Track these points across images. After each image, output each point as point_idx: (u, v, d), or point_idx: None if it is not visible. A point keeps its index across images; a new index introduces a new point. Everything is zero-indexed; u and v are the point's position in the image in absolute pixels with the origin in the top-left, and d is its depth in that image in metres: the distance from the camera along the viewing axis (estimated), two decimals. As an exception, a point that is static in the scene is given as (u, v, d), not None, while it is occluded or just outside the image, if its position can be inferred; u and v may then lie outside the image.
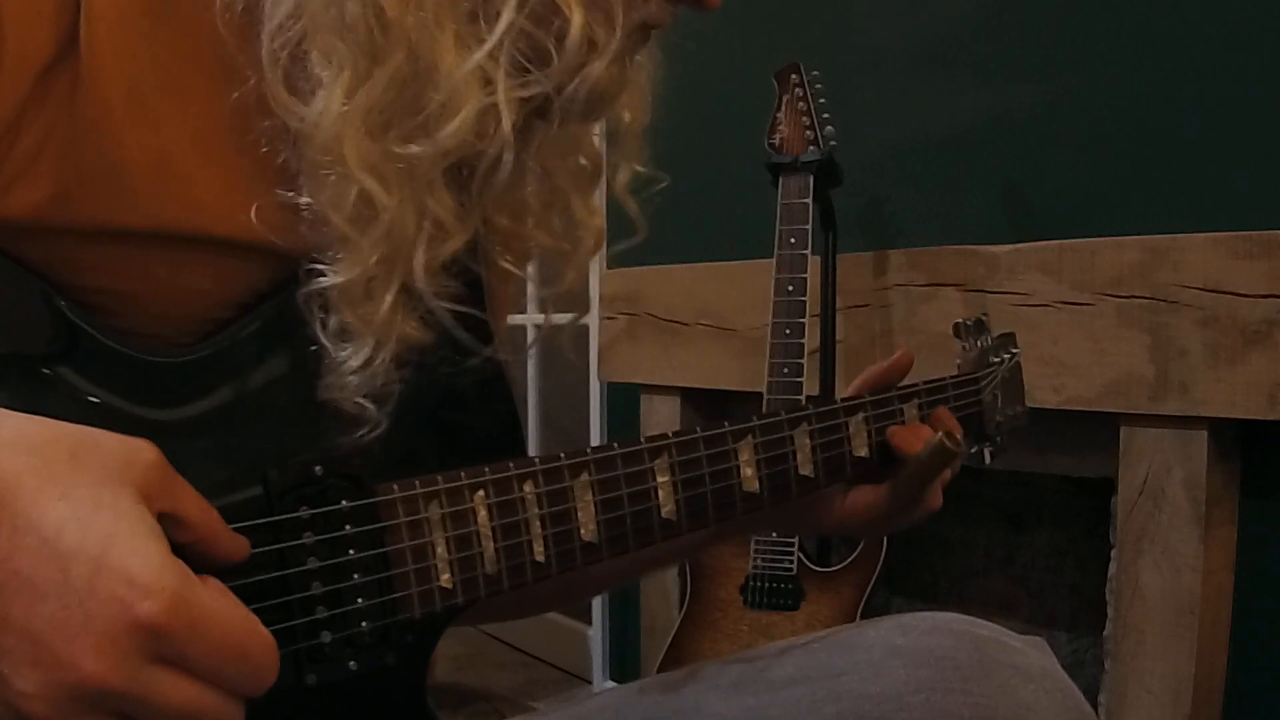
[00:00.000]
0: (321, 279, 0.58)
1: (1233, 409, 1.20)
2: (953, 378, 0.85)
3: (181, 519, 0.46)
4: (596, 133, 0.75)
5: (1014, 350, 0.92)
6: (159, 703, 0.42)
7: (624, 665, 2.20)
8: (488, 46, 0.58)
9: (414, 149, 0.58)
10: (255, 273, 0.60)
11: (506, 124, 0.59)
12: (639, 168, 0.74)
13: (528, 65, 0.60)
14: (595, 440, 2.27)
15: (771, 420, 0.72)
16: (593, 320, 2.07)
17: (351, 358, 0.59)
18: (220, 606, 0.45)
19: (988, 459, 0.90)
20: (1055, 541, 1.64)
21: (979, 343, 0.90)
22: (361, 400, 0.60)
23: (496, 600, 0.82)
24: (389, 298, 0.59)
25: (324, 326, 0.59)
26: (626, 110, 0.72)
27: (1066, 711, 0.59)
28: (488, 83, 0.59)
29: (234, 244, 0.58)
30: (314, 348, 0.60)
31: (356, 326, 0.59)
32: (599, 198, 0.76)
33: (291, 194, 0.59)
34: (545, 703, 1.97)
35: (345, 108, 0.56)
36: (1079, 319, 1.33)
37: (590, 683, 2.26)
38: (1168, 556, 1.26)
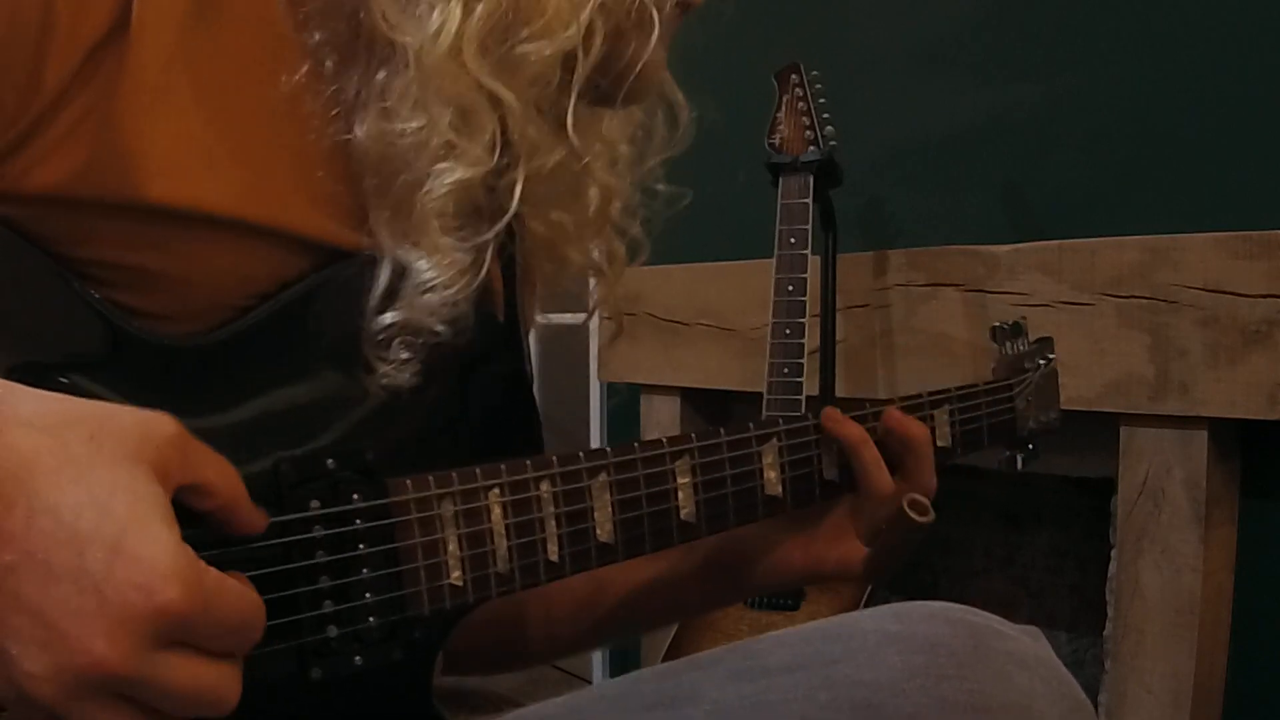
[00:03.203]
0: (444, 175, 0.61)
1: (1233, 409, 1.20)
2: (986, 383, 0.85)
3: (203, 488, 0.47)
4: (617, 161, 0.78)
5: (1050, 356, 0.92)
6: (165, 686, 0.43)
7: (624, 665, 2.20)
8: None
9: (529, 51, 0.61)
10: (279, 261, 0.60)
11: (599, 36, 0.63)
12: (662, 186, 0.80)
13: None
14: (595, 440, 2.27)
15: (798, 425, 0.72)
16: (592, 320, 2.07)
17: (436, 274, 0.61)
18: (223, 584, 0.45)
19: (1019, 465, 0.90)
20: (1055, 541, 1.64)
21: (1015, 347, 0.89)
22: (434, 325, 0.61)
23: (487, 648, 0.81)
24: (493, 222, 0.63)
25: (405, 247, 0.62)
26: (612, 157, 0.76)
27: (1062, 699, 0.59)
28: None
29: (258, 229, 0.59)
30: (347, 332, 0.61)
31: (451, 241, 0.61)
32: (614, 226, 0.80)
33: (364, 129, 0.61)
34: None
35: (463, 23, 0.60)
36: (1079, 319, 1.33)
37: (590, 683, 2.26)
38: (1168, 556, 1.26)
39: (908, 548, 0.74)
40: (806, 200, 1.47)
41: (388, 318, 0.61)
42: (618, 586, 0.81)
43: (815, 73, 1.51)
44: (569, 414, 2.49)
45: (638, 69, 0.68)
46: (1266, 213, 1.23)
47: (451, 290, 0.61)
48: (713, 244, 1.84)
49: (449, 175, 0.60)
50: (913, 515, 0.71)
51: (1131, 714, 1.29)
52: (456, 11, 0.60)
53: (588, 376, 2.24)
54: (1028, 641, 0.62)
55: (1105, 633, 1.35)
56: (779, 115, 1.51)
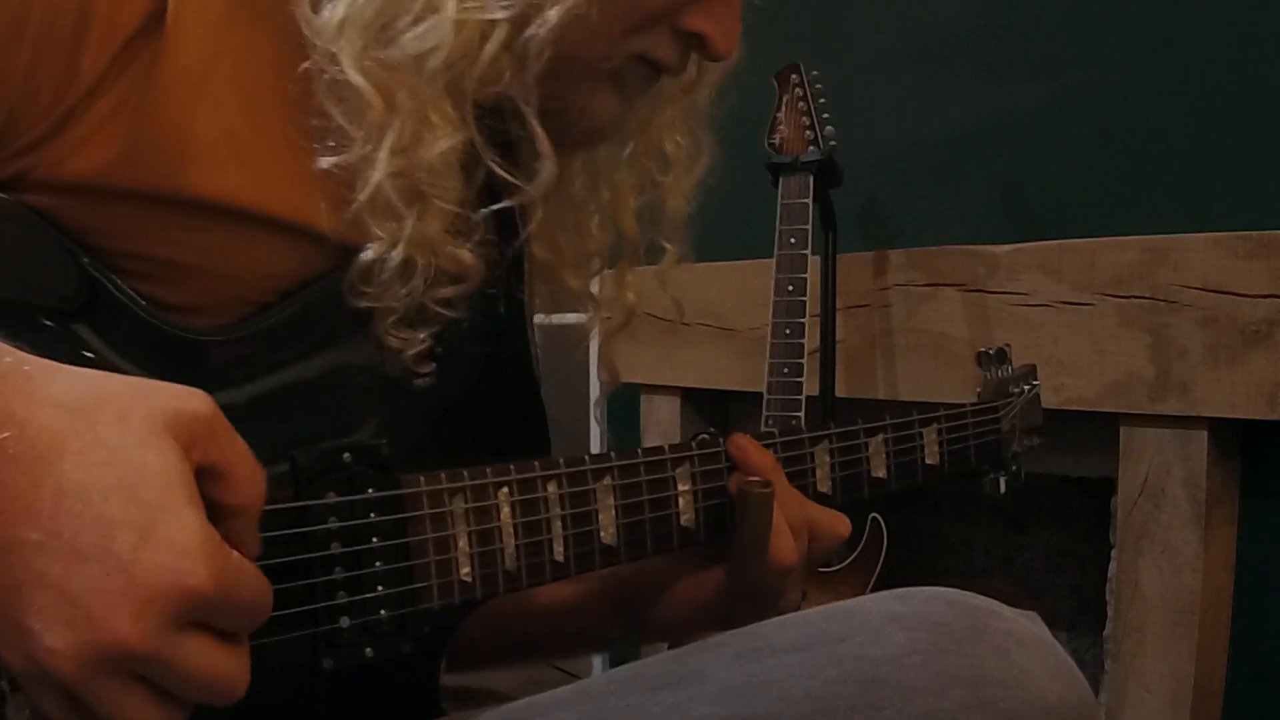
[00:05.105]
0: (324, 159, 0.61)
1: (1233, 409, 1.20)
2: (972, 405, 0.86)
3: (225, 476, 0.46)
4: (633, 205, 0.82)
5: (1034, 383, 0.95)
6: (183, 668, 0.43)
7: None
8: None
9: (397, 52, 0.62)
10: (306, 258, 0.62)
11: (494, 43, 0.63)
12: (669, 247, 0.84)
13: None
14: (595, 441, 2.27)
15: (793, 437, 0.73)
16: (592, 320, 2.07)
17: (382, 257, 0.62)
18: (243, 566, 0.45)
19: (1002, 488, 0.91)
20: (1055, 541, 1.64)
21: (1000, 372, 0.92)
22: (400, 332, 0.62)
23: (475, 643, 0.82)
24: (412, 205, 0.63)
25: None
26: (671, 195, 0.80)
27: (1058, 674, 0.60)
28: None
29: (287, 225, 0.61)
30: (361, 329, 0.62)
31: (383, 230, 0.62)
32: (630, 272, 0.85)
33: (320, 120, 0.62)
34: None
35: (346, 15, 0.61)
36: (1079, 319, 1.33)
37: (590, 683, 2.26)
38: (1168, 556, 1.26)
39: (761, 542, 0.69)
40: (806, 200, 1.47)
41: (374, 307, 0.63)
42: (537, 608, 0.81)
43: (815, 73, 1.52)
44: (569, 414, 2.49)
45: (577, 111, 0.69)
46: (1266, 213, 1.24)
47: (403, 272, 0.62)
48: (713, 244, 1.84)
49: (363, 188, 0.62)
50: (757, 489, 0.67)
51: (1131, 714, 1.29)
52: (342, 4, 0.61)
53: (588, 376, 2.24)
54: (1025, 623, 0.63)
55: (1105, 633, 1.35)
56: (779, 115, 1.51)
